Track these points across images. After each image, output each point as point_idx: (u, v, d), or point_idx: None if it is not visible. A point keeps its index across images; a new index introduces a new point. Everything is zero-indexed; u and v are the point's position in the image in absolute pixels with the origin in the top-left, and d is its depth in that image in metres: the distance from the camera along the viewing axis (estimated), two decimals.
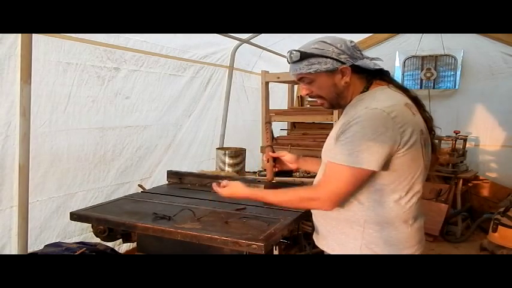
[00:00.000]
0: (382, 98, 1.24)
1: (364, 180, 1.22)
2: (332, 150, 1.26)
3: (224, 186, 1.54)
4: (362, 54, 1.32)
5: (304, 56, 1.28)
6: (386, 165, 1.20)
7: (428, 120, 1.31)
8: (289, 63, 1.34)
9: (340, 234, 1.31)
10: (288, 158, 1.72)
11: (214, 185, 1.58)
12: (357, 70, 1.30)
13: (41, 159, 2.21)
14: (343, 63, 1.27)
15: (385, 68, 1.34)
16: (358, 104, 1.28)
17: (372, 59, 1.34)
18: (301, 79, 1.35)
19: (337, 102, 1.36)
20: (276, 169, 1.79)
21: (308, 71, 1.29)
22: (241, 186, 1.50)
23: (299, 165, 1.73)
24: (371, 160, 1.16)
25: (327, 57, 1.26)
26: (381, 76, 1.34)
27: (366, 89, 1.31)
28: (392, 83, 1.34)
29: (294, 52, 1.30)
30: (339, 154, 1.21)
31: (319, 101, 1.39)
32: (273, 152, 1.78)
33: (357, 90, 1.32)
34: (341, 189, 1.22)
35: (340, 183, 1.21)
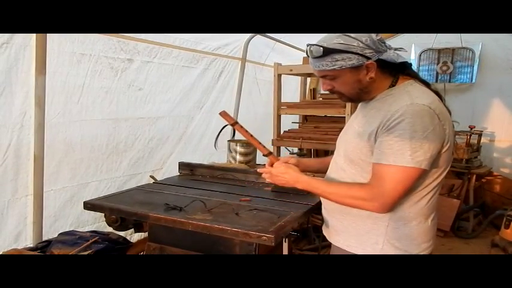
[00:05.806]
0: (419, 94, 1.18)
1: (416, 180, 1.16)
2: (379, 150, 1.18)
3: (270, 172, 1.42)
4: (386, 46, 1.25)
5: (327, 51, 1.19)
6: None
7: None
8: (308, 57, 1.27)
9: (360, 230, 1.28)
10: (291, 162, 1.54)
11: (263, 170, 1.47)
12: (382, 64, 1.23)
13: (55, 149, 2.25)
14: (368, 58, 1.20)
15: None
16: (388, 99, 1.23)
17: (396, 49, 1.27)
18: (323, 76, 1.28)
19: (359, 98, 1.31)
20: None
21: (332, 67, 1.21)
22: (298, 173, 1.39)
23: (301, 168, 1.51)
24: (424, 159, 1.12)
25: (351, 52, 1.18)
26: (406, 70, 1.29)
27: (394, 83, 1.26)
28: (417, 77, 1.29)
29: (316, 47, 1.21)
30: (390, 155, 1.14)
31: (338, 95, 1.33)
32: (276, 158, 1.54)
33: (382, 85, 1.27)
34: (397, 192, 1.16)
35: (396, 185, 1.15)
